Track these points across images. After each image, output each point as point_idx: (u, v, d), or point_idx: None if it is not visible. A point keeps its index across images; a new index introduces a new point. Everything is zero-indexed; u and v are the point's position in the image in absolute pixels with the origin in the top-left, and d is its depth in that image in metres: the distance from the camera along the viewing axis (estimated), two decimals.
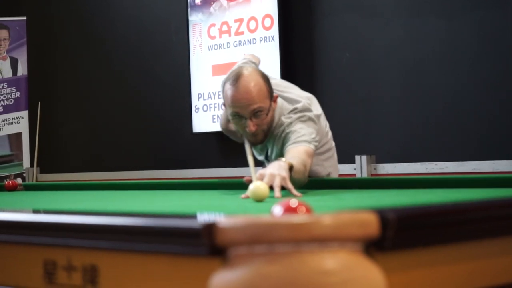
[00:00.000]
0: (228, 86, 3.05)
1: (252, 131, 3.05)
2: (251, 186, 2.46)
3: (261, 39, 5.85)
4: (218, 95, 6.12)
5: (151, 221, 1.37)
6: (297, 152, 2.96)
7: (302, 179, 2.91)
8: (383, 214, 1.28)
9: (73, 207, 2.57)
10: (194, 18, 6.32)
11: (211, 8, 6.21)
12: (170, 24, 6.63)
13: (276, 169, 2.65)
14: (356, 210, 1.28)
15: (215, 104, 6.15)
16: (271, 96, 3.10)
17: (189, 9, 6.34)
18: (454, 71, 4.96)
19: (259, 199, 2.42)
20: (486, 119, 4.83)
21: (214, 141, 6.27)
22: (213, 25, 6.20)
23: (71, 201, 2.98)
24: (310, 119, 3.17)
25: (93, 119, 7.27)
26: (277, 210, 1.34)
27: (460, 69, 4.95)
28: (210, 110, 6.19)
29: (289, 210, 1.33)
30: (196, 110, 6.28)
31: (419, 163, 4.98)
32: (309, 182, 3.13)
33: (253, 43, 5.90)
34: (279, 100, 3.20)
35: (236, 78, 3.04)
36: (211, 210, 2.14)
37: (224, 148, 6.18)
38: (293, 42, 5.78)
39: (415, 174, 4.94)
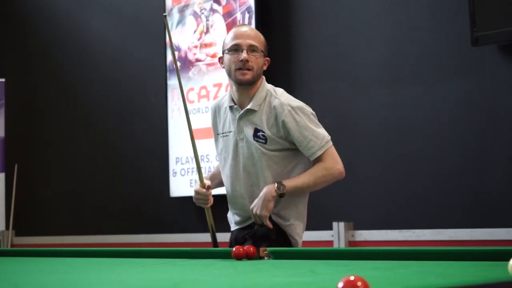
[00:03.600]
0: (230, 31, 3.63)
1: (246, 58, 3.48)
2: None
3: None
4: None
5: None
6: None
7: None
8: None
9: (46, 280, 2.52)
10: (173, 82, 6.33)
11: (190, 72, 6.22)
12: (149, 88, 6.63)
13: (259, 207, 3.46)
14: None
15: (193, 168, 6.13)
16: (266, 52, 3.62)
17: (168, 73, 6.36)
18: (433, 139, 4.97)
19: None
20: (464, 187, 4.83)
21: (192, 206, 6.21)
22: (192, 89, 6.21)
23: (44, 272, 2.92)
24: (313, 114, 3.62)
25: (71, 182, 7.22)
26: (340, 285, 1.49)
27: (439, 137, 4.96)
28: (187, 175, 6.16)
29: (348, 283, 1.49)
30: (174, 174, 6.26)
31: (397, 231, 4.96)
32: (283, 252, 3.10)
33: None
34: (270, 85, 3.63)
35: (239, 24, 3.77)
36: None
37: (201, 213, 6.13)
38: None
39: (393, 242, 4.92)
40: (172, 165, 6.27)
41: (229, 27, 5.95)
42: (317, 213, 5.46)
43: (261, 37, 3.61)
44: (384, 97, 5.20)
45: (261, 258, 3.10)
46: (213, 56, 6.06)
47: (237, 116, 3.57)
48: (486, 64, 4.77)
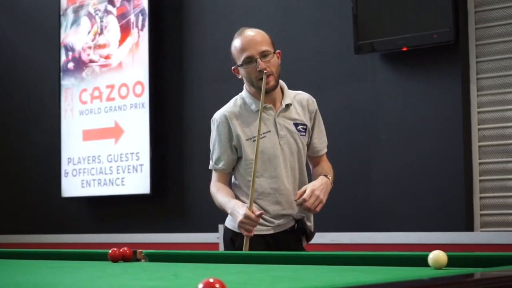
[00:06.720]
0: (235, 41, 3.53)
1: (264, 68, 3.45)
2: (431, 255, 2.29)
3: (131, 105, 5.87)
4: (88, 160, 6.09)
5: None
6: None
7: None
8: None
9: None
10: (67, 82, 6.30)
11: (84, 73, 6.21)
12: (43, 88, 6.58)
13: (324, 192, 3.56)
14: None
15: (84, 169, 6.11)
16: (274, 47, 3.54)
17: (61, 73, 6.32)
18: None
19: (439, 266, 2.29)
20: (346, 191, 4.94)
21: (83, 206, 6.21)
22: (85, 90, 6.19)
23: None
24: None
25: None
26: (200, 286, 1.55)
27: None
28: (79, 175, 6.14)
29: (207, 285, 1.55)
30: (66, 175, 6.23)
31: None
32: (159, 255, 3.13)
33: (124, 110, 5.91)
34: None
35: (240, 31, 3.55)
36: None
37: (93, 214, 6.13)
38: (164, 110, 5.82)
39: None
40: (64, 166, 6.24)
41: (122, 28, 5.96)
42: (203, 215, 5.52)
43: (266, 36, 3.54)
44: None
45: (138, 260, 3.13)
46: (107, 57, 6.06)
47: (275, 114, 3.59)
48: (368, 71, 4.92)
